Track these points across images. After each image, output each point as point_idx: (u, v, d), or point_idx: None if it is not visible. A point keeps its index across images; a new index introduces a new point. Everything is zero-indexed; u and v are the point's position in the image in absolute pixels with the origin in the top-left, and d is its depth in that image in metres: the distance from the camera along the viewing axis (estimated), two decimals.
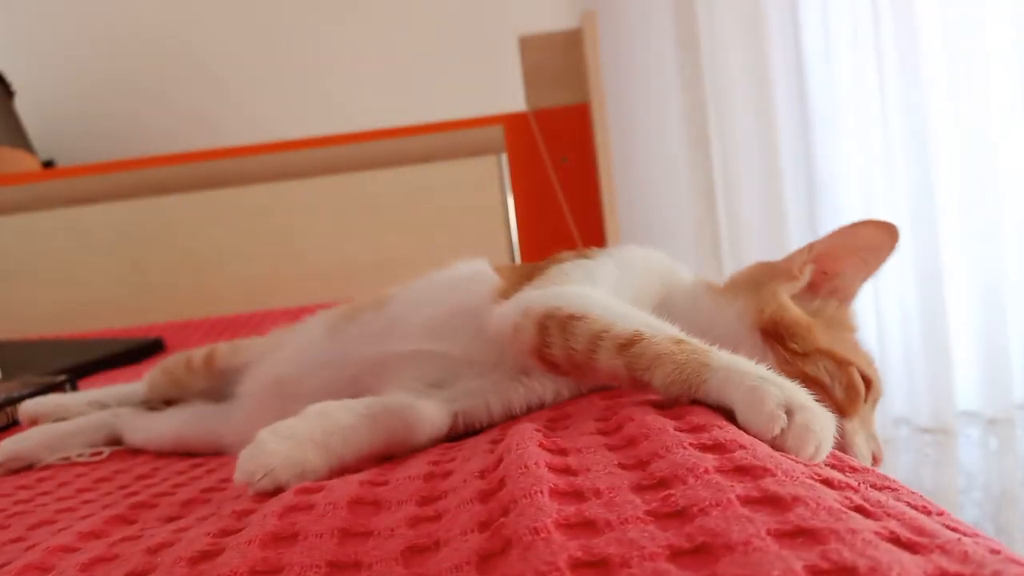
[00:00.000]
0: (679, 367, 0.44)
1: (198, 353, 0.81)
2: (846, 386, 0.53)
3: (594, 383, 0.52)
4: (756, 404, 0.41)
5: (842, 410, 0.52)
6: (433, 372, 0.59)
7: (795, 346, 0.54)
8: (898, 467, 1.97)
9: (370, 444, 0.51)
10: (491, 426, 0.56)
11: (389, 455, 0.53)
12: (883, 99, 1.88)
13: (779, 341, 0.54)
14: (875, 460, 0.53)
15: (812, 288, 0.60)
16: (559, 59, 1.65)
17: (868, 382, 0.54)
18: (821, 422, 0.41)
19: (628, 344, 0.46)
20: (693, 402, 0.45)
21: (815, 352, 0.54)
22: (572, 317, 0.49)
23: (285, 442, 0.47)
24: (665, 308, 0.57)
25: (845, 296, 0.61)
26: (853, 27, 1.89)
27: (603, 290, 0.55)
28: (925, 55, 1.85)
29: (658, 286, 0.61)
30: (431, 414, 0.54)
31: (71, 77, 2.26)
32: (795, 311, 0.56)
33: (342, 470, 0.49)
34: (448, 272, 0.66)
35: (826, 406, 0.46)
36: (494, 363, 0.58)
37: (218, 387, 0.80)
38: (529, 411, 0.56)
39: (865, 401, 0.54)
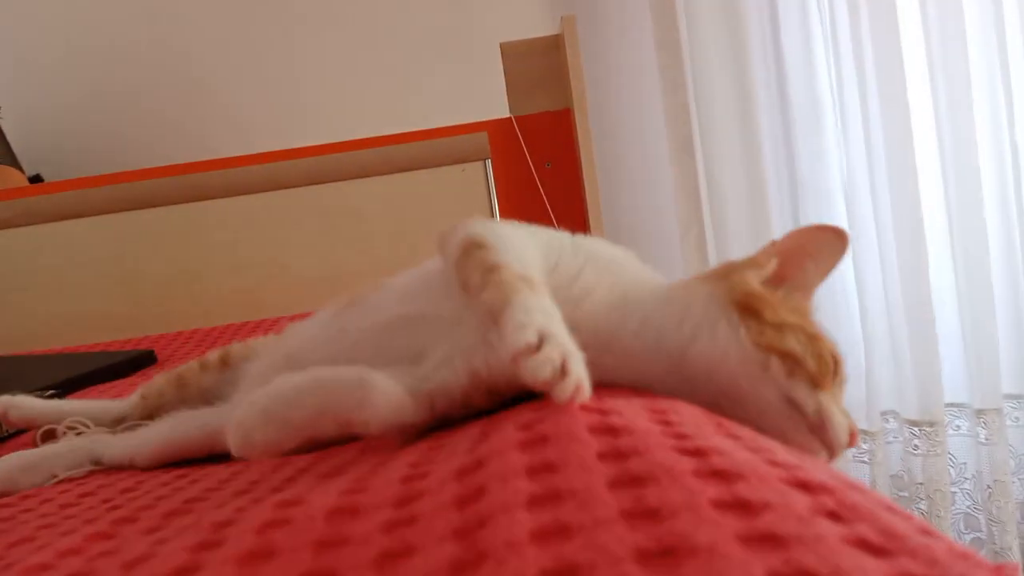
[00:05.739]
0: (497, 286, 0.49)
1: (212, 355, 0.84)
2: (818, 358, 0.53)
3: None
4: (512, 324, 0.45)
5: (816, 382, 0.53)
6: (408, 340, 0.61)
7: (769, 316, 0.54)
8: (887, 460, 1.98)
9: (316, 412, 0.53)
10: (464, 400, 0.56)
11: (342, 432, 0.53)
12: (864, 96, 1.89)
13: (754, 315, 0.55)
14: (852, 437, 0.53)
15: (775, 281, 0.61)
16: (540, 65, 1.66)
17: (836, 361, 0.54)
18: (572, 356, 0.44)
19: (491, 269, 0.51)
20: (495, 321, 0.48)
21: (787, 326, 0.54)
22: (477, 245, 0.54)
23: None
24: (628, 299, 0.58)
25: (805, 292, 0.62)
26: (832, 23, 1.91)
27: (530, 244, 0.59)
28: (906, 50, 1.86)
29: (605, 273, 0.61)
30: (384, 387, 0.53)
31: (56, 91, 2.25)
32: (765, 291, 0.58)
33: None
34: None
35: (801, 379, 0.51)
36: (458, 316, 0.58)
37: (223, 386, 0.82)
38: (491, 371, 0.55)
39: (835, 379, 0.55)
